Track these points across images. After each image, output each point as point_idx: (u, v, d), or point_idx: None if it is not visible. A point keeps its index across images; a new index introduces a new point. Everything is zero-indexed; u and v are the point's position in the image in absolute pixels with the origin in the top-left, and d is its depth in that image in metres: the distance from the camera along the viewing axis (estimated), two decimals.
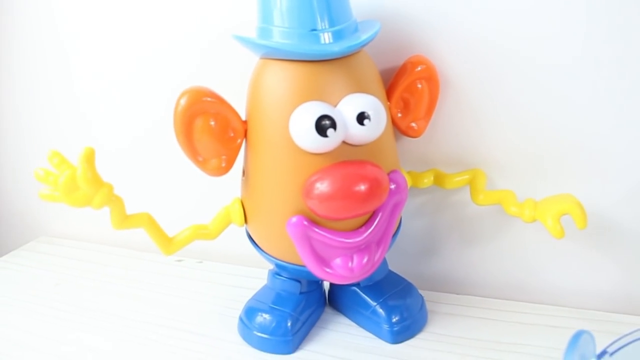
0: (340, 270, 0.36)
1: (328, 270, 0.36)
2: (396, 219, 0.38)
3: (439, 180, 0.43)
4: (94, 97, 0.55)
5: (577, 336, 0.27)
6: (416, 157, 0.44)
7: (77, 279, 0.53)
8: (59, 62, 0.55)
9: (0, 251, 0.62)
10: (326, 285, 0.45)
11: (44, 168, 0.35)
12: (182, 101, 0.34)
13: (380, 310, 0.40)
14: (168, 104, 0.36)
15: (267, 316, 0.40)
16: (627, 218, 0.40)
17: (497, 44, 0.39)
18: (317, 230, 0.35)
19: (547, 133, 0.40)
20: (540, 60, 0.39)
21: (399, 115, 0.40)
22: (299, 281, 0.41)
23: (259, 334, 0.40)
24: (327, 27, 0.34)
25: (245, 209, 0.39)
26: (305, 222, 0.35)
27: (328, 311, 0.45)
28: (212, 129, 0.36)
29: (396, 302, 0.41)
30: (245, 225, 0.40)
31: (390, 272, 0.43)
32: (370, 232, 0.36)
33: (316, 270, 0.36)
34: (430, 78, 0.40)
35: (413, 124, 0.41)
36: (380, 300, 0.41)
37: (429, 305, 0.43)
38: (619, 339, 0.30)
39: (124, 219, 0.37)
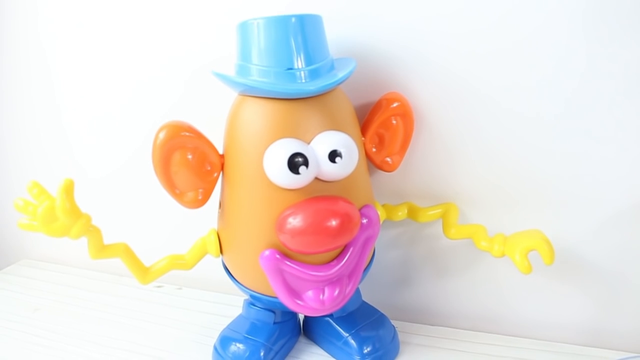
0: (312, 302, 0.36)
1: (300, 302, 0.37)
2: (368, 252, 0.39)
3: (412, 213, 0.44)
4: (77, 128, 0.56)
5: None
6: (391, 191, 0.45)
7: (56, 304, 0.54)
8: (44, 93, 0.56)
9: None
10: (301, 315, 0.46)
11: (23, 198, 0.36)
12: (161, 135, 0.35)
13: (352, 341, 0.41)
14: (147, 136, 0.37)
15: (240, 346, 0.41)
16: (595, 253, 0.42)
17: (469, 84, 0.41)
18: (289, 263, 0.36)
19: (516, 170, 0.41)
20: (509, 103, 0.40)
21: (374, 150, 0.41)
22: (273, 311, 0.42)
23: None
24: (303, 66, 0.35)
25: (221, 241, 0.40)
26: (278, 256, 0.36)
27: (302, 341, 0.45)
28: (189, 163, 0.37)
29: (368, 333, 0.41)
30: (220, 256, 0.41)
31: (364, 303, 0.44)
32: (342, 266, 0.37)
33: (288, 302, 0.37)
34: (405, 114, 0.41)
35: (388, 159, 0.42)
36: (353, 331, 0.41)
37: (401, 336, 0.44)
38: None
39: (101, 249, 0.37)
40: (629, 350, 0.41)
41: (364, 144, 0.40)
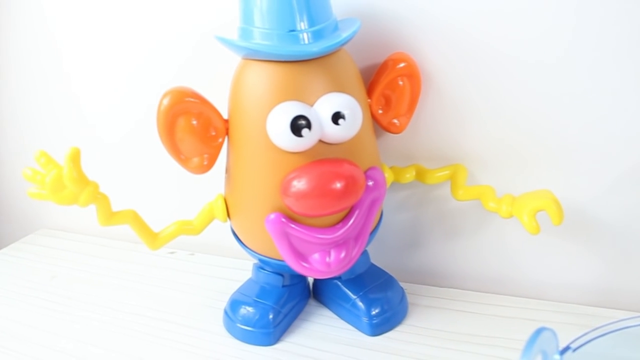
0: (318, 265, 0.37)
1: (306, 265, 0.37)
2: (374, 214, 0.39)
3: (420, 175, 0.43)
4: (85, 95, 0.56)
5: (537, 333, 0.27)
6: (398, 153, 0.45)
7: (73, 272, 0.55)
8: (52, 60, 0.56)
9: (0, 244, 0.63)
10: (310, 278, 0.47)
11: (32, 167, 0.36)
12: (165, 101, 0.35)
13: (360, 303, 0.41)
14: (152, 103, 0.37)
15: (250, 309, 0.41)
16: (605, 213, 0.41)
17: (478, 41, 0.40)
18: (294, 226, 0.36)
19: (527, 129, 0.41)
20: (522, 58, 0.39)
21: (380, 112, 0.41)
22: (281, 275, 0.42)
23: (242, 326, 0.41)
24: (306, 27, 0.35)
25: (228, 206, 0.40)
26: (283, 219, 0.36)
27: (312, 303, 0.46)
28: (194, 128, 0.37)
29: (376, 295, 0.42)
30: (228, 220, 0.41)
31: (372, 265, 0.44)
32: (348, 228, 0.37)
33: (294, 265, 0.37)
34: (412, 75, 0.40)
35: (395, 121, 0.42)
36: (361, 293, 0.42)
37: (409, 298, 0.44)
38: (584, 334, 0.31)
39: (110, 216, 0.38)
40: (639, 310, 0.41)
41: (370, 106, 0.40)
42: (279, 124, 0.34)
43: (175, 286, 0.50)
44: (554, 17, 0.37)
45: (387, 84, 0.40)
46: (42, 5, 0.54)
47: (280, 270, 0.42)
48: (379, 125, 0.41)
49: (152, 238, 0.40)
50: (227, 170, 0.40)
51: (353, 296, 0.42)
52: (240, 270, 0.51)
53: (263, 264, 0.42)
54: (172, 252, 0.56)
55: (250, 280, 0.45)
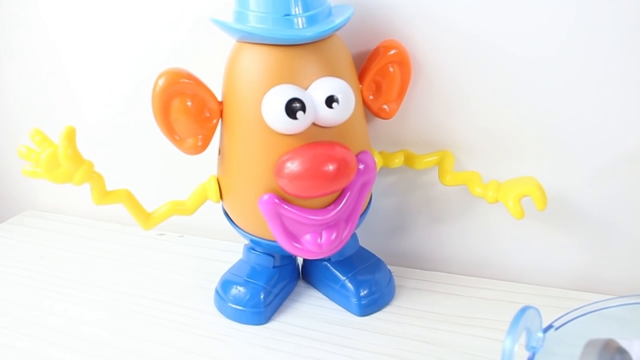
0: (309, 246, 0.38)
1: (297, 245, 0.38)
2: (364, 197, 0.39)
3: (409, 160, 0.44)
4: (74, 76, 0.56)
5: (522, 311, 0.28)
6: (387, 138, 0.46)
7: (62, 252, 0.55)
8: (44, 42, 0.56)
9: None
10: (300, 260, 0.47)
11: (27, 145, 0.36)
12: (160, 82, 0.36)
13: (349, 284, 0.42)
14: (147, 84, 0.37)
15: (241, 289, 0.42)
16: (587, 201, 0.42)
17: (468, 32, 0.41)
18: (287, 207, 0.37)
19: (513, 119, 0.42)
20: (510, 50, 0.40)
21: (371, 97, 0.42)
22: (272, 255, 0.43)
23: (233, 306, 0.42)
24: (300, 12, 0.35)
25: (221, 186, 0.41)
26: (276, 200, 0.37)
27: (301, 284, 0.47)
28: (188, 110, 0.37)
29: (365, 276, 0.43)
30: (221, 201, 0.41)
31: (361, 248, 0.45)
32: (339, 210, 0.38)
33: (286, 246, 0.38)
34: (402, 62, 0.41)
35: (385, 106, 0.43)
36: (350, 274, 0.43)
37: (397, 280, 0.45)
38: (565, 314, 0.32)
39: (103, 195, 0.38)
40: (616, 294, 0.42)
41: (361, 91, 0.41)
42: (274, 106, 0.35)
43: (165, 267, 0.51)
44: (542, 11, 0.38)
45: (378, 70, 0.41)
46: None
47: (271, 251, 0.43)
48: (369, 110, 0.42)
49: (145, 217, 0.40)
50: (220, 152, 0.40)
51: (342, 277, 0.43)
52: (229, 252, 0.51)
53: (254, 245, 0.43)
54: (161, 234, 0.56)
55: (241, 260, 0.45)
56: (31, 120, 0.61)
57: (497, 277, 0.46)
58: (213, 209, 0.43)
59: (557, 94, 0.40)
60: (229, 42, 0.39)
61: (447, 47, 0.42)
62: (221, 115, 0.39)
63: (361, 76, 0.41)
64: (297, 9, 0.35)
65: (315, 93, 0.35)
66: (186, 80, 0.36)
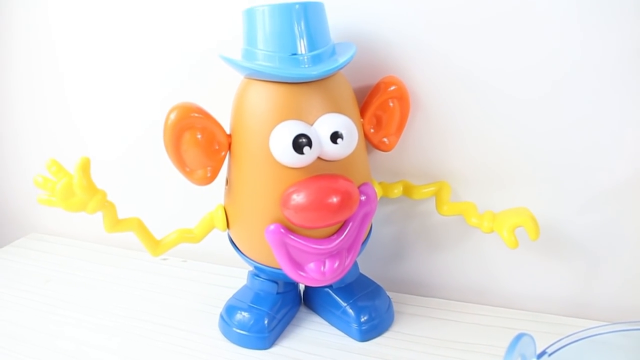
0: (313, 274, 0.39)
1: (302, 273, 0.39)
2: (366, 227, 0.41)
3: (407, 191, 0.46)
4: (85, 105, 0.58)
5: (518, 338, 0.30)
6: (387, 169, 0.48)
7: (66, 276, 0.56)
8: (53, 72, 0.58)
9: None
10: (301, 286, 0.49)
11: (43, 175, 0.38)
12: (172, 116, 0.37)
13: (350, 311, 0.44)
14: (158, 117, 0.39)
15: (245, 314, 0.44)
16: (577, 230, 0.44)
17: (464, 69, 0.43)
18: (292, 237, 0.38)
19: (505, 152, 0.44)
20: (501, 88, 0.42)
21: (372, 130, 0.44)
22: (276, 282, 0.44)
23: (238, 331, 0.43)
24: (306, 51, 0.37)
25: (228, 216, 0.42)
26: (282, 230, 0.38)
27: (303, 310, 0.48)
28: (199, 142, 0.39)
29: (365, 303, 0.44)
30: (227, 230, 0.43)
31: (361, 275, 0.47)
32: (342, 240, 0.39)
33: (291, 274, 0.39)
34: (402, 97, 0.43)
35: (385, 139, 0.44)
36: (351, 301, 0.44)
37: (396, 307, 0.46)
38: (558, 340, 0.34)
39: (115, 223, 0.40)
40: (607, 320, 0.44)
41: (363, 125, 0.42)
42: (281, 141, 0.36)
43: (169, 291, 0.52)
44: (535, 54, 0.40)
45: (378, 105, 0.43)
46: (45, 22, 0.56)
47: (275, 278, 0.44)
48: (370, 143, 0.44)
49: (155, 245, 0.42)
50: (228, 182, 0.42)
51: (343, 304, 0.44)
52: (231, 277, 0.53)
53: (259, 272, 0.44)
54: (164, 259, 0.58)
55: (245, 287, 0.47)
56: (35, 148, 0.62)
57: (493, 304, 0.47)
58: (216, 236, 0.44)
59: (549, 130, 0.42)
60: (237, 76, 0.40)
61: (444, 84, 0.44)
62: (229, 148, 0.40)
63: (363, 111, 0.43)
64: (303, 48, 0.37)
65: (320, 129, 0.37)
66: (196, 115, 0.38)
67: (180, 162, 0.39)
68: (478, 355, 0.41)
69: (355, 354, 0.42)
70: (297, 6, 0.37)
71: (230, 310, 0.45)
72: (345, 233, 0.39)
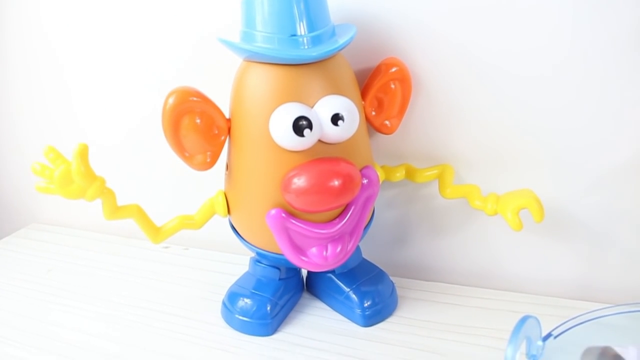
0: (316, 258, 0.39)
1: (304, 258, 0.39)
2: (368, 211, 0.41)
3: (410, 174, 0.46)
4: (84, 93, 0.57)
5: (523, 321, 0.30)
6: (389, 153, 0.47)
7: (67, 265, 0.56)
8: (50, 61, 0.57)
9: None
10: (304, 272, 0.49)
11: (40, 162, 0.37)
12: (170, 100, 0.37)
13: (353, 296, 0.43)
14: (156, 102, 0.38)
15: (248, 301, 0.43)
16: (583, 212, 0.44)
17: (466, 50, 0.42)
18: (294, 221, 0.38)
19: (509, 132, 0.43)
20: (505, 67, 0.41)
21: (373, 113, 0.43)
22: (278, 268, 0.44)
23: (241, 317, 0.43)
24: (305, 32, 0.36)
25: (229, 201, 0.42)
26: (284, 214, 0.38)
27: (305, 296, 0.48)
28: (198, 127, 0.38)
29: (368, 288, 0.44)
30: (228, 216, 0.43)
31: (364, 260, 0.47)
32: (344, 224, 0.39)
33: (293, 259, 0.39)
34: (403, 79, 0.43)
35: (386, 122, 0.44)
36: (354, 286, 0.44)
37: (399, 291, 0.46)
38: (563, 323, 0.33)
39: (115, 210, 0.39)
40: (612, 302, 0.43)
41: (364, 108, 0.42)
42: (281, 124, 0.36)
43: (171, 279, 0.52)
44: (540, 31, 0.40)
45: (380, 87, 0.42)
46: (38, 8, 0.55)
47: (277, 264, 0.44)
48: (371, 126, 0.43)
49: (155, 232, 0.41)
50: (228, 168, 0.41)
51: (346, 289, 0.44)
52: (233, 264, 0.52)
53: (261, 258, 0.44)
54: (166, 247, 0.57)
55: (247, 273, 0.46)
56: (34, 136, 0.62)
57: (497, 287, 0.47)
58: (217, 223, 0.44)
59: (552, 111, 0.41)
60: (236, 60, 0.40)
61: (446, 65, 0.43)
62: (229, 132, 0.40)
63: (364, 93, 0.42)
64: (302, 29, 0.36)
65: (321, 111, 0.36)
66: (195, 99, 0.38)
67: (180, 147, 0.38)
68: (483, 339, 0.41)
69: (358, 339, 0.42)
70: None
71: (232, 297, 0.44)
72: (347, 217, 0.39)
